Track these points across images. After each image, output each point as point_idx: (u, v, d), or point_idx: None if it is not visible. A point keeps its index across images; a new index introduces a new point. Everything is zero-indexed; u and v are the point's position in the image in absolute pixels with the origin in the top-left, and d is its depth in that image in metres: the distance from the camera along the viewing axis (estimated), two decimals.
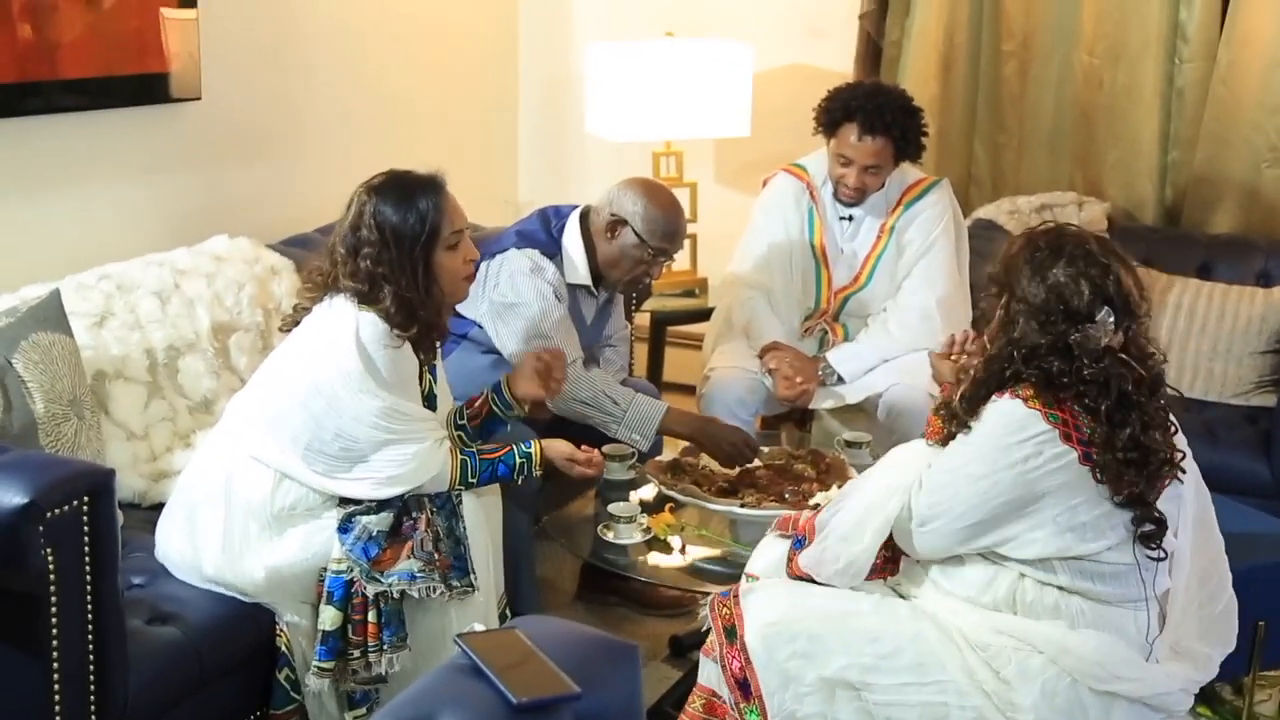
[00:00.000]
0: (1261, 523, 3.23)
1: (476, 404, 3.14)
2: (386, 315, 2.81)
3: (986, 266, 2.56)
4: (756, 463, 3.38)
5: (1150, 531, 2.35)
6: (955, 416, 2.44)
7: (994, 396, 2.39)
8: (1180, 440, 2.43)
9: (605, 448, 3.29)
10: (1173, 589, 2.43)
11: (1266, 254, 4.29)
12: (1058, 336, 2.34)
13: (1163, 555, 2.37)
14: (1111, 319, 2.35)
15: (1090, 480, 2.32)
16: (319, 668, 2.79)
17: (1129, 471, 2.32)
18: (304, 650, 2.84)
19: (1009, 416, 2.35)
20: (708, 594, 2.66)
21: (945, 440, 2.48)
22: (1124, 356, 2.35)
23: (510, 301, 3.42)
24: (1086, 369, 2.32)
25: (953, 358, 2.86)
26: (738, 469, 3.33)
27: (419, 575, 2.77)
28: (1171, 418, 2.43)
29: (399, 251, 2.82)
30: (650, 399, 3.51)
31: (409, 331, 2.84)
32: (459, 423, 3.13)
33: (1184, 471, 2.41)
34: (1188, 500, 2.46)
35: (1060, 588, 2.37)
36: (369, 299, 2.81)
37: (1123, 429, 2.31)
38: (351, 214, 2.86)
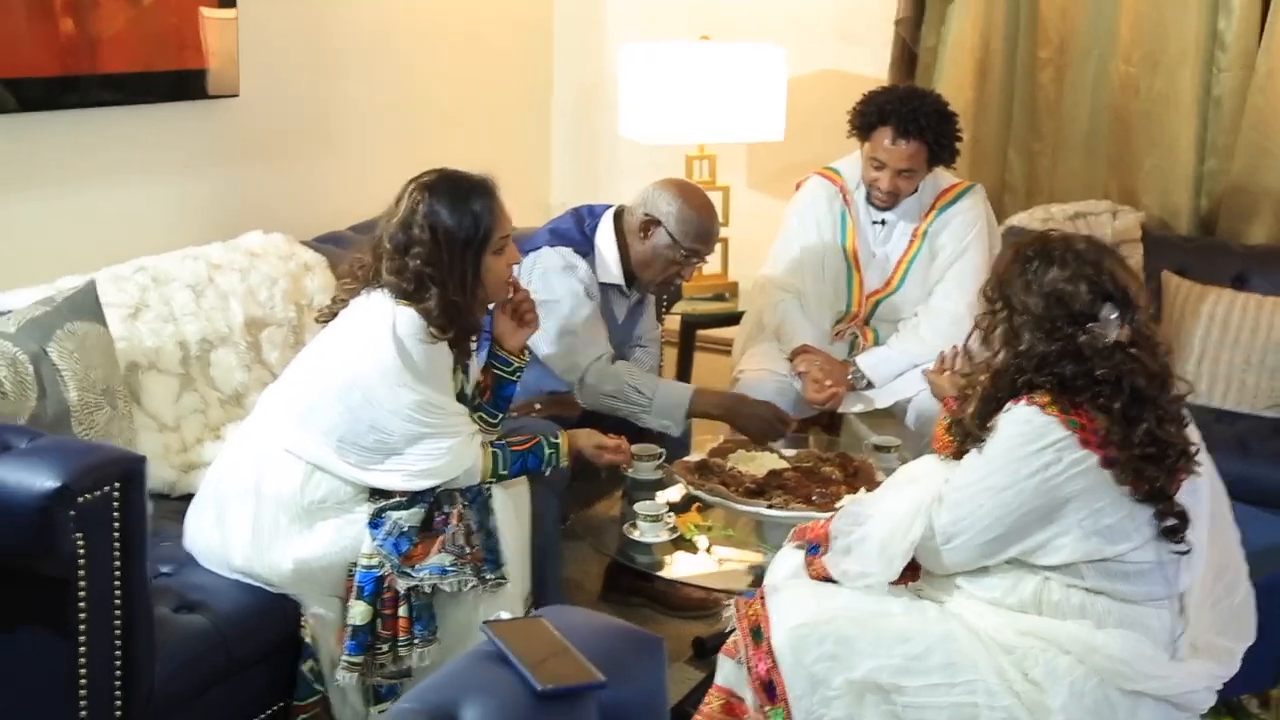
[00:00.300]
0: None
1: (521, 437, 3.10)
2: (427, 314, 2.82)
3: (981, 284, 2.55)
4: (784, 464, 3.36)
5: (1173, 526, 2.34)
6: (969, 433, 2.43)
7: (1008, 405, 2.38)
8: (1194, 433, 2.42)
9: (633, 447, 3.29)
10: (1190, 584, 2.42)
11: None
12: (1066, 340, 2.34)
13: (1187, 549, 2.36)
14: (1115, 314, 2.35)
15: (1112, 483, 2.32)
16: (349, 661, 2.79)
17: (1148, 467, 2.31)
18: (329, 643, 2.85)
19: (1026, 424, 2.34)
20: (732, 594, 2.66)
21: (958, 454, 2.47)
22: (1134, 351, 2.35)
23: (542, 299, 3.43)
24: (1099, 368, 2.32)
25: (947, 373, 2.86)
26: (766, 470, 3.32)
27: (450, 569, 2.78)
28: (1184, 410, 2.42)
29: (450, 254, 2.83)
30: (676, 383, 3.53)
31: (447, 334, 2.85)
32: (475, 404, 3.11)
33: (1199, 464, 2.40)
34: (1203, 494, 2.44)
35: (1086, 589, 2.36)
36: (413, 297, 2.82)
37: (1138, 425, 2.31)
38: (403, 210, 2.86)
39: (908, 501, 2.48)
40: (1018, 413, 2.36)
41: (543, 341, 3.45)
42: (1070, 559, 2.34)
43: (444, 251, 2.83)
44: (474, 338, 3.04)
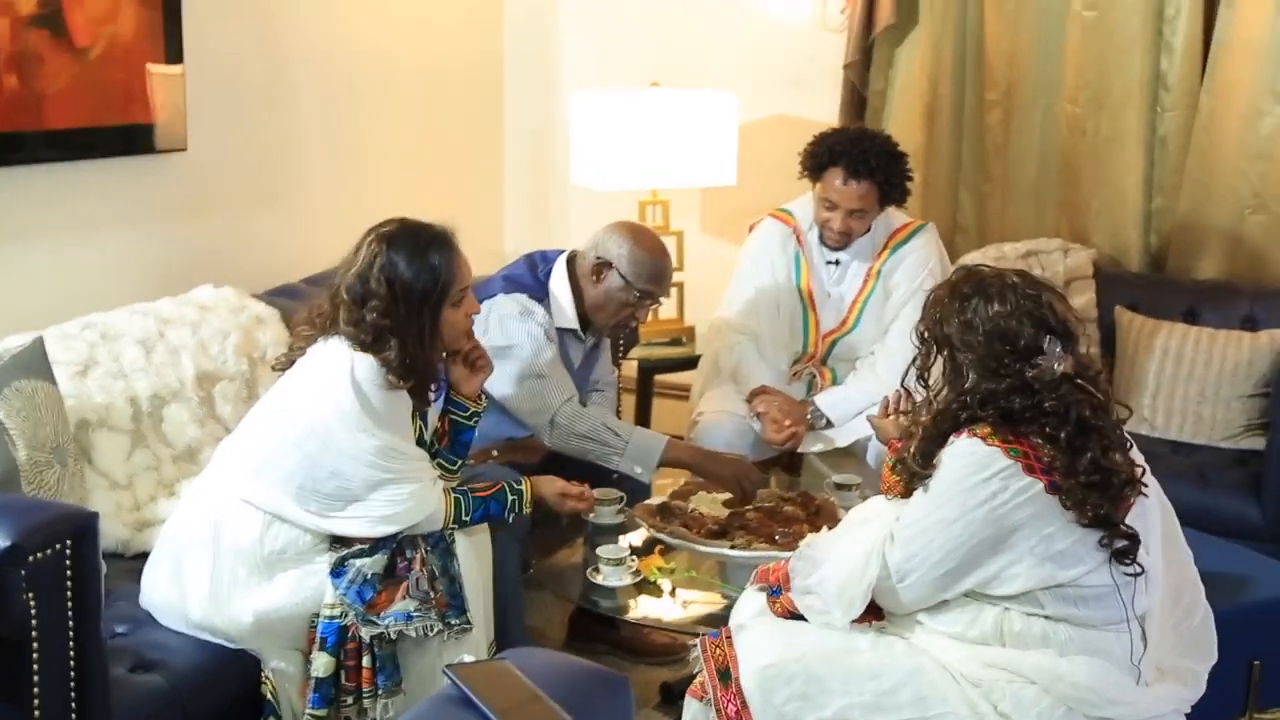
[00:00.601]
0: (1254, 563, 3.22)
1: (483, 484, 3.05)
2: (386, 364, 2.79)
3: (916, 325, 2.55)
4: (745, 505, 3.35)
5: (1123, 548, 2.34)
6: (913, 473, 2.43)
7: (950, 439, 2.38)
8: (1138, 456, 2.43)
9: (594, 491, 3.26)
10: (1149, 607, 2.42)
11: (1251, 299, 4.30)
12: (1014, 376, 2.34)
13: (1139, 570, 2.36)
14: (1058, 347, 2.36)
15: (1059, 508, 2.32)
16: (313, 715, 2.75)
17: (1092, 495, 2.31)
18: (290, 697, 2.80)
19: (970, 456, 2.35)
20: (697, 634, 2.63)
21: (906, 493, 2.47)
22: (1079, 382, 2.36)
23: (501, 345, 3.41)
24: (1047, 401, 2.33)
25: (890, 416, 2.85)
26: (728, 511, 3.30)
27: (415, 615, 2.75)
28: (1126, 434, 2.43)
29: (407, 307, 2.81)
30: (650, 432, 3.52)
31: (405, 383, 2.82)
32: (433, 450, 3.08)
33: (1146, 487, 2.42)
34: (1153, 516, 2.45)
35: (1046, 616, 2.35)
36: (371, 349, 2.80)
37: (1083, 454, 2.32)
38: (361, 261, 2.84)
39: (860, 543, 2.47)
40: (961, 445, 2.36)
41: (504, 385, 3.42)
42: (1026, 587, 2.33)
43: (401, 305, 2.81)
44: (433, 386, 3.01)
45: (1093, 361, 2.45)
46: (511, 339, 3.43)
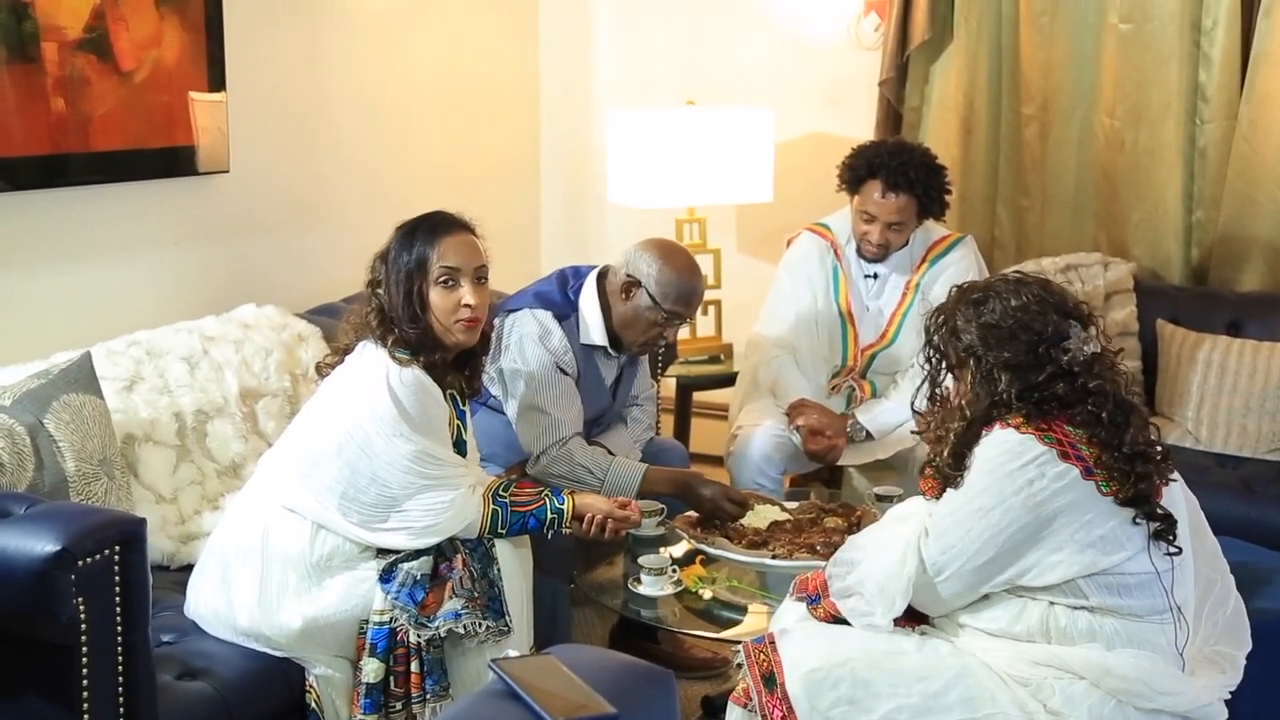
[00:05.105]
0: None
1: (525, 495, 2.98)
2: (399, 346, 2.84)
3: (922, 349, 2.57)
4: (785, 516, 3.34)
5: (1161, 529, 2.35)
6: (947, 476, 2.43)
7: (983, 433, 2.38)
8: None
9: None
10: (1186, 597, 2.42)
11: None
12: (1053, 363, 2.36)
13: (1179, 550, 2.36)
14: (1081, 329, 2.39)
15: (1096, 493, 2.32)
16: None
17: (1136, 465, 2.33)
18: (335, 705, 2.81)
19: (1005, 445, 2.35)
20: (739, 643, 2.62)
21: (942, 494, 2.46)
22: (1108, 359, 2.40)
23: (516, 367, 3.41)
24: (1091, 382, 2.35)
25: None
26: (769, 522, 3.30)
27: (463, 613, 2.75)
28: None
29: (396, 285, 2.87)
30: (629, 463, 3.44)
31: (426, 358, 2.85)
32: (499, 497, 2.95)
33: (1172, 472, 2.43)
34: (1180, 505, 2.44)
35: (1091, 609, 2.35)
36: (380, 336, 2.85)
37: (1126, 430, 2.34)
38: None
39: (897, 540, 2.47)
40: (995, 436, 2.37)
41: (511, 404, 3.45)
42: (1068, 575, 2.33)
43: (393, 285, 2.87)
44: (471, 376, 3.02)
45: (1110, 342, 2.47)
46: (526, 363, 3.41)
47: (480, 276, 2.92)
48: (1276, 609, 2.84)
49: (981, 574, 2.37)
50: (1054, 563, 2.33)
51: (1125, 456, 2.32)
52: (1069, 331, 2.37)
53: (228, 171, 3.98)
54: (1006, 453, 2.34)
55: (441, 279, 2.87)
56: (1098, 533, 2.32)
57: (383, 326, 2.86)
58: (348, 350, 2.94)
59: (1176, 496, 2.44)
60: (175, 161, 3.84)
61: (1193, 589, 2.44)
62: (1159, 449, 2.39)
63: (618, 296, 3.49)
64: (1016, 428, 2.35)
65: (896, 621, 2.44)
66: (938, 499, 2.47)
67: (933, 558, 2.39)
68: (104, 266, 3.67)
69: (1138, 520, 2.33)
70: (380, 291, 2.90)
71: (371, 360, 2.85)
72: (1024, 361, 2.37)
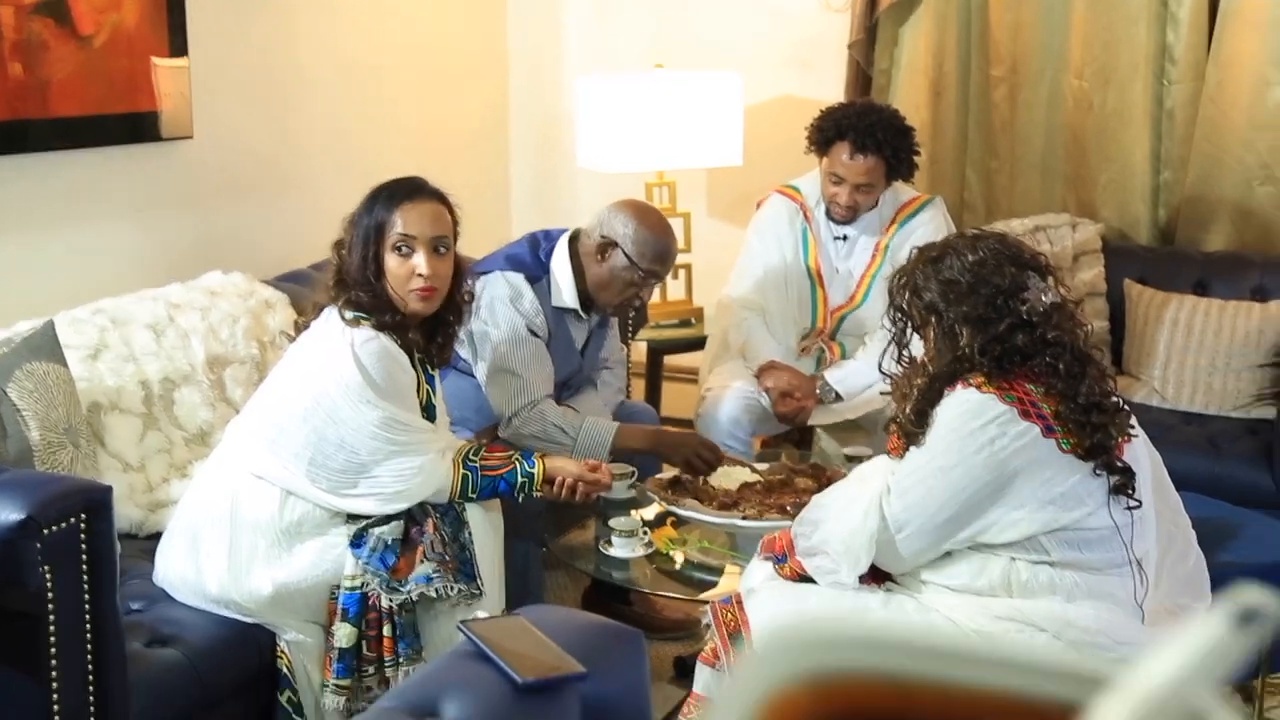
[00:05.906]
0: (1266, 528, 3.22)
1: (495, 459, 2.98)
2: (351, 307, 2.82)
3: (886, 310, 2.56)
4: (756, 478, 3.35)
5: (1120, 483, 2.36)
6: (909, 433, 2.44)
7: (945, 392, 2.39)
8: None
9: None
10: (1146, 550, 2.43)
11: (1261, 270, 4.29)
12: (1011, 314, 2.36)
13: (1139, 503, 2.38)
14: (1038, 279, 2.39)
15: (1056, 451, 2.33)
16: (336, 685, 2.76)
17: (1093, 416, 2.33)
18: (307, 670, 2.80)
19: (966, 404, 2.36)
20: (708, 603, 2.63)
21: (905, 451, 2.47)
22: (1068, 310, 2.41)
23: (486, 330, 3.41)
24: (1049, 332, 2.35)
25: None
26: (739, 484, 3.30)
27: (434, 577, 2.75)
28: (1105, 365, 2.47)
29: (353, 247, 2.85)
30: (601, 421, 3.44)
31: (380, 319, 2.82)
32: (469, 461, 2.95)
33: (1134, 429, 2.43)
34: (1142, 461, 2.45)
35: (1052, 564, 2.36)
36: (335, 295, 2.84)
37: (1083, 380, 2.35)
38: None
39: (860, 499, 2.47)
40: (956, 396, 2.37)
41: (481, 366, 3.45)
42: (1028, 531, 2.34)
43: (353, 246, 2.86)
44: (444, 345, 3.00)
45: (1069, 293, 2.48)
46: (497, 325, 3.41)
47: (440, 246, 2.87)
48: (1239, 562, 2.88)
49: (943, 531, 2.38)
50: (1015, 519, 2.34)
51: (1081, 407, 2.33)
52: (1027, 282, 2.37)
53: (191, 137, 3.94)
54: (967, 412, 2.35)
55: (396, 245, 2.84)
56: (1058, 490, 2.33)
57: (338, 286, 2.85)
58: (316, 315, 2.92)
59: (1139, 452, 2.45)
60: (138, 127, 3.80)
61: (1154, 543, 2.46)
62: (1115, 400, 2.40)
63: (592, 258, 3.48)
64: (978, 387, 2.35)
65: (862, 579, 2.45)
66: (902, 458, 2.48)
67: (894, 515, 2.40)
68: (67, 234, 3.63)
69: (1098, 471, 2.34)
70: (344, 252, 2.89)
71: (336, 326, 2.83)
72: (984, 314, 2.36)
